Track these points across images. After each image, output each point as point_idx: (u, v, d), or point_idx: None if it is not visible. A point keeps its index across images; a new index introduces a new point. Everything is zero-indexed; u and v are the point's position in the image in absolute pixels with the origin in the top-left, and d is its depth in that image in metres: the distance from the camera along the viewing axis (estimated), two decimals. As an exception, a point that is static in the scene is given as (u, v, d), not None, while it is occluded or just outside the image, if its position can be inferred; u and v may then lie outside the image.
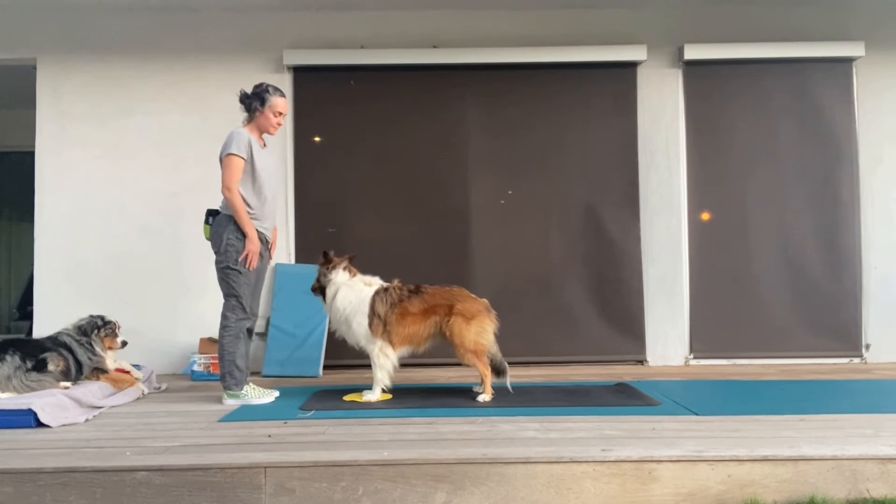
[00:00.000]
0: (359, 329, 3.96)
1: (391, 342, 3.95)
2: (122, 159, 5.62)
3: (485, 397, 3.92)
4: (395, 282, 4.12)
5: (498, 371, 4.06)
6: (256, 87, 4.05)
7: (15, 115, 6.86)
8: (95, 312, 4.52)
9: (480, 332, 3.92)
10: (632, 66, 5.71)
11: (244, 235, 3.89)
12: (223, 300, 3.99)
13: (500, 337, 4.13)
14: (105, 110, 5.63)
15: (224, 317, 3.95)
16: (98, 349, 4.32)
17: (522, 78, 5.71)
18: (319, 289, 4.10)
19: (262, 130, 4.07)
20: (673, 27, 5.72)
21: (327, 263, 4.06)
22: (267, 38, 5.65)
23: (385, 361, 3.94)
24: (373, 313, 3.93)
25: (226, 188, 3.87)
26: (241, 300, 3.94)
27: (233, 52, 5.64)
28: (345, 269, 4.05)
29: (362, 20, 5.69)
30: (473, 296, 4.08)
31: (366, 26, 5.68)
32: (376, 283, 4.10)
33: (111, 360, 4.42)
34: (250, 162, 3.93)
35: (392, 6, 5.63)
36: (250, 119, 4.05)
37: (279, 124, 4.10)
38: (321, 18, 5.68)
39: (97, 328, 4.36)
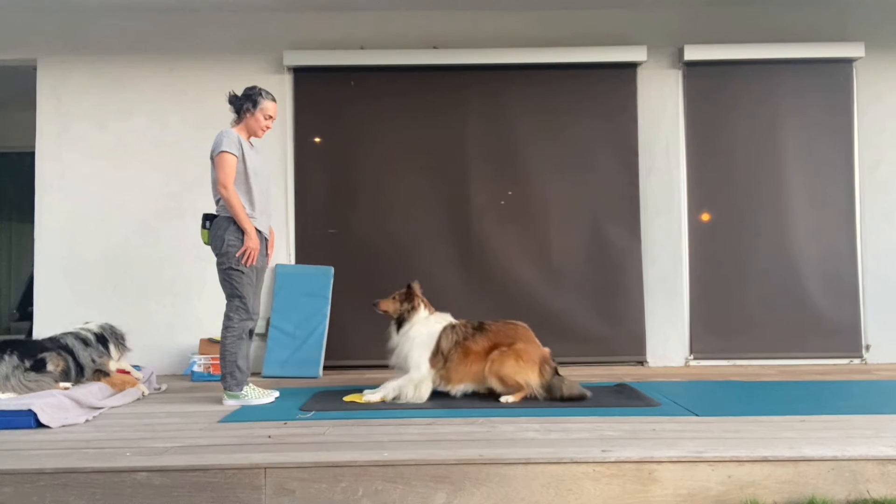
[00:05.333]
0: (419, 359, 3.94)
1: (449, 378, 3.94)
2: (122, 159, 5.62)
3: (509, 398, 3.88)
4: (461, 321, 4.10)
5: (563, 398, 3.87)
6: (248, 89, 4.08)
7: (15, 116, 6.87)
8: (96, 314, 4.55)
9: (523, 375, 3.83)
10: (632, 66, 5.71)
11: (244, 234, 3.90)
12: (226, 301, 3.99)
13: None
14: (105, 110, 5.64)
15: (227, 317, 3.95)
16: (115, 354, 4.38)
17: (522, 78, 5.70)
18: (398, 320, 4.09)
19: (250, 132, 4.09)
20: (673, 28, 5.73)
21: (411, 299, 4.07)
22: (267, 39, 5.65)
23: (412, 390, 3.88)
24: (437, 349, 3.96)
25: (222, 186, 3.87)
26: (245, 300, 3.95)
27: (233, 53, 5.64)
28: (425, 307, 4.10)
29: (362, 20, 5.69)
30: (537, 341, 4.01)
31: (366, 26, 5.69)
32: (446, 319, 4.10)
33: (114, 361, 4.43)
34: (242, 161, 3.95)
35: (392, 6, 5.63)
36: (239, 120, 4.07)
37: (268, 127, 4.13)
38: (321, 19, 5.68)
39: (118, 337, 4.46)
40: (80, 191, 5.61)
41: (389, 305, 4.13)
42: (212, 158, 3.97)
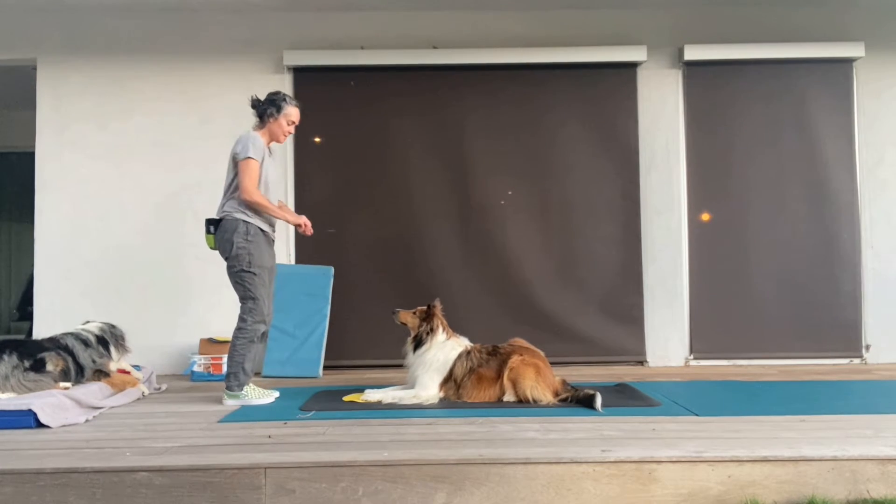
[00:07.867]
0: (428, 381, 3.94)
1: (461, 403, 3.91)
2: (122, 159, 5.62)
3: (511, 398, 3.88)
4: (476, 345, 4.07)
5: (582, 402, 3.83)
6: (273, 94, 4.07)
7: (15, 116, 6.87)
8: (96, 314, 4.54)
9: (538, 393, 3.81)
10: (632, 66, 5.71)
11: (254, 238, 3.89)
12: (240, 304, 3.97)
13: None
14: (105, 110, 5.64)
15: (241, 319, 3.94)
16: (115, 356, 4.38)
17: (523, 78, 5.71)
18: (415, 338, 4.08)
19: (272, 137, 4.08)
20: (673, 27, 5.73)
21: (430, 319, 4.05)
22: (267, 39, 5.65)
23: (414, 402, 3.87)
24: (450, 375, 3.95)
25: (245, 191, 3.83)
26: (258, 302, 3.94)
27: (233, 53, 5.64)
28: (444, 331, 4.06)
29: (362, 20, 5.69)
30: (549, 366, 3.98)
31: (366, 26, 5.69)
32: (462, 344, 4.06)
33: (114, 362, 4.43)
34: (261, 168, 3.94)
35: (392, 6, 5.63)
36: (262, 125, 4.05)
37: (290, 133, 4.13)
38: (321, 18, 5.68)
39: (118, 338, 4.44)
40: (80, 191, 5.61)
41: (409, 319, 4.11)
42: (234, 160, 3.93)
